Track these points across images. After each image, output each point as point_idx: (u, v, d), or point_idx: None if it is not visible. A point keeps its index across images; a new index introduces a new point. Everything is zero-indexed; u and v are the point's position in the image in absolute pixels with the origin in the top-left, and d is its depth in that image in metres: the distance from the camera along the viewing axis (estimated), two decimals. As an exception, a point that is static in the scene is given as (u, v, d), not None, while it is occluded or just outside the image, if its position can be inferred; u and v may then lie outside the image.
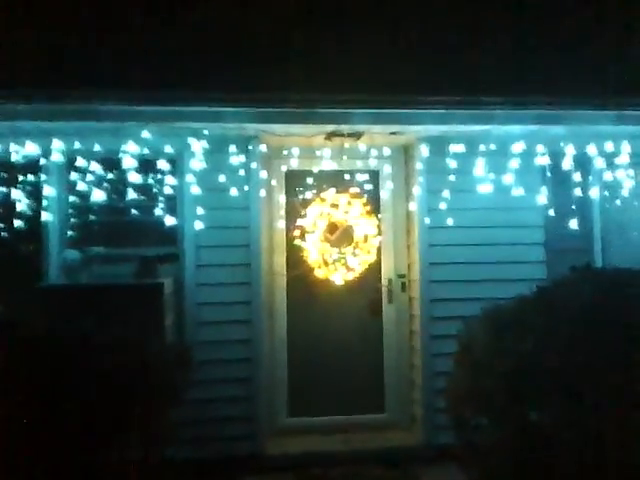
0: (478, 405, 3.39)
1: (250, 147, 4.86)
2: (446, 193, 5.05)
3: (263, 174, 5.03)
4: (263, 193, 5.06)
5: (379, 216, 5.56)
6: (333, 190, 5.39)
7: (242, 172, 4.81)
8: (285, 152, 5.33)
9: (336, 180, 5.50)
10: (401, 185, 5.62)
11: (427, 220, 5.18)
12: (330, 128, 4.71)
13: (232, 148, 4.77)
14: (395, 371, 5.60)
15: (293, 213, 5.40)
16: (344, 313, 5.60)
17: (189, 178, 4.80)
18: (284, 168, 5.48)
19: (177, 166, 4.75)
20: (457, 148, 4.91)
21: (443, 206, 5.07)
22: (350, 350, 5.58)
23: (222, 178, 4.80)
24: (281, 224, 5.47)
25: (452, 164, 4.94)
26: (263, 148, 5.00)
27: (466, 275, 5.23)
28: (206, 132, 4.53)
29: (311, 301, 5.57)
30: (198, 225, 4.83)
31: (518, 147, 4.82)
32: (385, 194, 5.60)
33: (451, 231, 5.20)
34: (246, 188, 4.85)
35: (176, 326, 4.71)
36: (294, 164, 5.27)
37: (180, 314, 4.90)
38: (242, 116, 4.46)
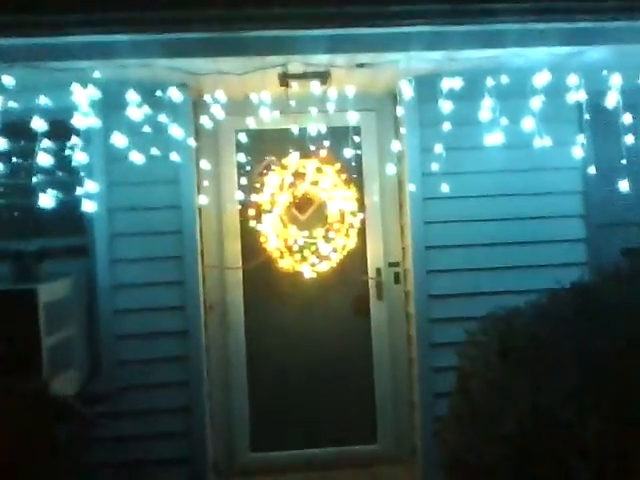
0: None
1: (178, 98, 3.54)
2: (444, 151, 3.66)
3: (201, 136, 3.75)
4: (205, 165, 3.77)
5: (361, 187, 4.24)
6: (296, 155, 4.08)
7: (169, 132, 3.44)
8: (233, 107, 4.02)
9: (302, 142, 4.18)
10: (388, 145, 4.27)
11: (413, 187, 3.86)
12: (277, 61, 3.35)
13: (152, 100, 3.43)
14: (389, 389, 4.29)
15: (248, 186, 4.10)
16: (320, 315, 4.31)
17: (90, 143, 3.55)
18: (233, 128, 4.18)
19: (72, 127, 3.44)
20: (457, 87, 3.51)
21: (440, 168, 3.69)
22: (330, 364, 4.28)
23: (139, 142, 3.46)
24: (233, 202, 4.18)
25: (451, 110, 3.53)
26: (199, 100, 3.70)
27: (476, 261, 3.89)
28: (98, 75, 3.22)
29: (277, 301, 4.28)
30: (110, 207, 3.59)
31: (543, 80, 3.38)
32: (368, 158, 4.28)
33: (454, 203, 3.87)
34: (174, 157, 3.52)
35: (71, 345, 3.46)
36: (246, 122, 3.84)
37: (88, 326, 3.67)
38: (150, 48, 3.14)
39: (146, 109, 3.30)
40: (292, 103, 3.79)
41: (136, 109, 3.25)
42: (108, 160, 3.70)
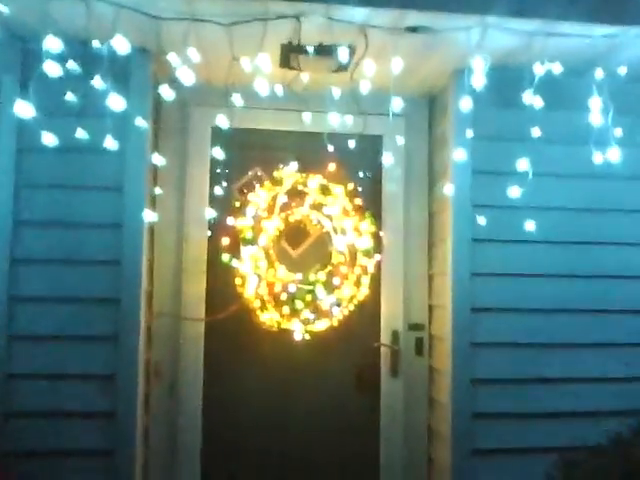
0: None
1: (128, 56, 2.36)
2: (509, 177, 2.53)
3: (160, 123, 2.56)
4: (162, 162, 2.56)
5: (379, 218, 3.08)
6: (294, 165, 2.92)
7: (111, 108, 2.18)
8: (210, 92, 2.87)
9: (303, 149, 3.05)
10: (421, 161, 3.14)
11: (456, 225, 2.71)
12: (288, 10, 2.17)
13: (87, 58, 2.17)
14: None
15: (223, 203, 2.90)
16: (311, 394, 3.07)
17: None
18: (208, 121, 3.01)
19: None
20: (546, 82, 2.38)
21: (499, 200, 2.57)
22: (324, 463, 3.03)
23: (64, 124, 2.22)
24: (200, 224, 2.98)
25: (529, 116, 2.41)
26: (160, 68, 2.50)
27: (542, 333, 2.73)
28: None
29: (252, 371, 3.04)
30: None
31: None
32: (391, 179, 3.13)
33: (517, 248, 2.73)
34: (110, 144, 2.25)
35: None
36: (227, 115, 2.60)
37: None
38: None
39: (77, 73, 2.10)
40: (295, 94, 2.66)
41: (59, 69, 2.04)
42: (19, 149, 2.50)
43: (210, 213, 2.54)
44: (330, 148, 2.70)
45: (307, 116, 2.67)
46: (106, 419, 2.49)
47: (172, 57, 2.07)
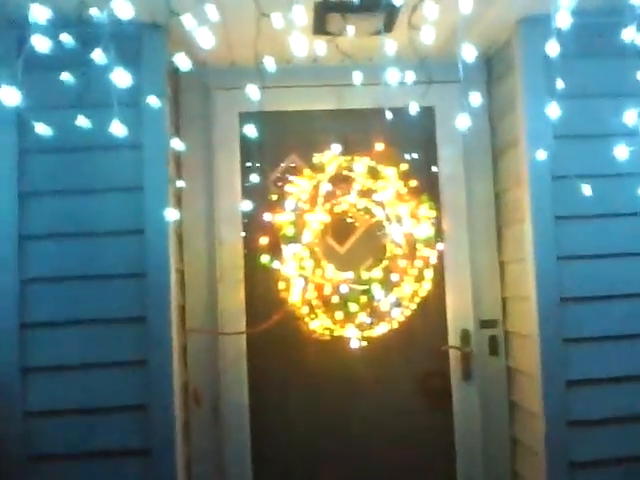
0: None
1: (148, 51, 1.99)
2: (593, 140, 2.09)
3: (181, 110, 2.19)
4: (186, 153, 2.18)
5: (437, 203, 2.67)
6: (337, 148, 2.52)
7: (127, 112, 1.70)
8: (236, 74, 2.49)
9: (344, 130, 2.66)
10: (481, 132, 2.70)
11: (534, 200, 2.27)
12: None
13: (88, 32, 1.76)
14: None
15: (258, 198, 2.50)
16: (373, 408, 2.67)
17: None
18: (236, 109, 2.63)
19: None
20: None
21: (585, 168, 2.15)
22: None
23: (71, 127, 1.81)
24: (233, 224, 2.60)
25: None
26: (183, 62, 2.08)
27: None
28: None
29: (304, 388, 2.66)
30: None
31: None
32: (447, 156, 2.71)
33: (611, 222, 2.29)
34: (118, 130, 1.84)
35: None
36: (258, 100, 2.11)
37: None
38: None
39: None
40: (335, 66, 2.26)
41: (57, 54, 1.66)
42: (22, 150, 2.14)
43: (245, 207, 2.11)
44: (378, 124, 2.29)
45: (347, 90, 2.26)
46: (141, 457, 2.12)
47: (188, 20, 1.66)
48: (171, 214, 1.99)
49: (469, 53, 1.60)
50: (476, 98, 1.69)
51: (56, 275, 2.14)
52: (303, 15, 1.63)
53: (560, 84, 1.85)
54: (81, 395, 2.13)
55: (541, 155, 1.95)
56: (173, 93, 2.42)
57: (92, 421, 2.13)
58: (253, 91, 1.70)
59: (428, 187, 2.64)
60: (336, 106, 2.61)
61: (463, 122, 1.67)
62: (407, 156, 2.66)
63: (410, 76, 1.83)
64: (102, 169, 2.16)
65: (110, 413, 2.13)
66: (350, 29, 2.03)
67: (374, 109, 2.32)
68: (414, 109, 1.95)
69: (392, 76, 1.82)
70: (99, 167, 2.16)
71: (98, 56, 1.63)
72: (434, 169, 2.71)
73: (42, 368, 2.12)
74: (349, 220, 2.67)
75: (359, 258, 2.64)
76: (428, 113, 2.67)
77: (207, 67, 2.54)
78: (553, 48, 1.76)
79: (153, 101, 1.73)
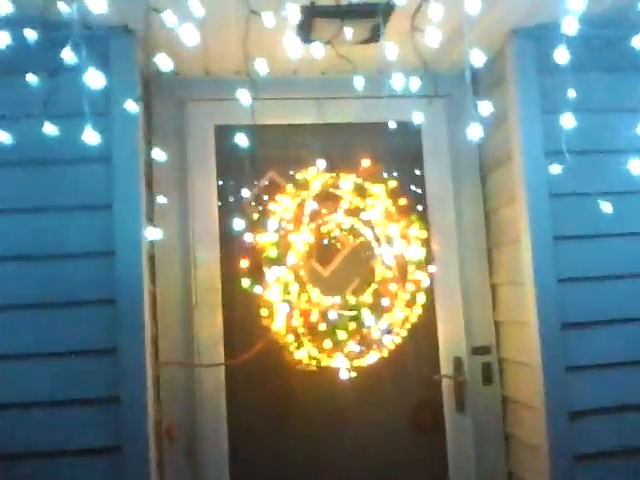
0: None
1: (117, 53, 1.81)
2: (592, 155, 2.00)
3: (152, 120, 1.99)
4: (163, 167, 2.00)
5: (426, 222, 2.53)
6: (322, 163, 2.37)
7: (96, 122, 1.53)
8: (209, 87, 2.34)
9: (329, 145, 2.52)
10: (469, 148, 2.57)
11: (531, 221, 2.16)
12: None
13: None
14: None
15: (236, 218, 2.31)
16: (364, 444, 2.48)
17: None
18: (211, 122, 2.47)
19: None
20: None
21: (585, 184, 2.05)
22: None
23: (34, 138, 1.63)
24: (210, 245, 2.41)
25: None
26: (163, 64, 1.88)
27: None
28: None
29: (288, 422, 2.46)
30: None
31: None
32: (435, 173, 2.59)
33: (613, 243, 2.18)
34: (90, 138, 1.62)
35: None
36: (232, 111, 1.90)
37: None
38: None
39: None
40: (314, 79, 2.13)
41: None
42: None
43: (224, 227, 1.92)
44: (362, 139, 2.17)
45: (334, 103, 2.13)
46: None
47: (165, 20, 1.48)
48: (151, 233, 1.80)
49: (473, 62, 1.47)
50: (487, 107, 1.54)
51: (15, 302, 1.91)
52: (288, 21, 1.50)
53: (571, 93, 1.75)
54: (45, 437, 1.89)
55: (556, 169, 1.83)
56: (144, 103, 2.23)
57: (60, 465, 1.89)
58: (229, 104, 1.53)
59: (416, 206, 2.51)
60: (317, 120, 2.46)
61: (475, 132, 1.51)
62: (395, 173, 2.52)
63: (393, 89, 1.68)
64: (67, 184, 1.95)
65: (78, 456, 1.90)
66: (337, 38, 1.90)
67: (357, 124, 2.21)
68: (393, 125, 1.83)
69: (376, 89, 1.68)
70: (64, 181, 1.95)
71: (67, 57, 1.44)
72: (418, 190, 2.58)
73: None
74: (332, 242, 2.51)
75: (344, 282, 2.48)
76: (413, 128, 2.54)
77: (181, 76, 2.37)
78: (560, 57, 1.64)
79: (129, 107, 1.54)
